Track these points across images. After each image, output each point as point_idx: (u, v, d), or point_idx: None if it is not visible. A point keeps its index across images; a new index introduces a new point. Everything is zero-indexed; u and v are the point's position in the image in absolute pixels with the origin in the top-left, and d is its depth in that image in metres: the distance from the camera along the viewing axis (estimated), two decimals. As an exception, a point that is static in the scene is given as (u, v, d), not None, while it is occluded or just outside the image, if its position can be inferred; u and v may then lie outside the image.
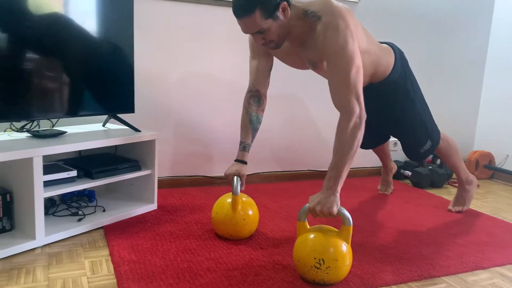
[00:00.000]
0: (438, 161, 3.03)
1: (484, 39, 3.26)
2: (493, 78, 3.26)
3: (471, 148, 3.40)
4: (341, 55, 1.51)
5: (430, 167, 2.87)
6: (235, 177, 1.80)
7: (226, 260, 1.62)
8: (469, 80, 3.29)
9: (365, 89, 1.76)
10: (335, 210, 1.45)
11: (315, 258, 1.42)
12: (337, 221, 2.05)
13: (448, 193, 2.73)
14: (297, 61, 1.80)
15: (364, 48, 1.71)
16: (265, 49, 1.81)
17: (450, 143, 2.20)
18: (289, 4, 1.54)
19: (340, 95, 1.53)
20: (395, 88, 1.95)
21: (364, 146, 2.27)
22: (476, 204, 2.55)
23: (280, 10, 1.52)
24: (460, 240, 1.94)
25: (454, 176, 3.01)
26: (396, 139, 3.08)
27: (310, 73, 2.74)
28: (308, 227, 1.52)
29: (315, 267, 1.42)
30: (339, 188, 1.49)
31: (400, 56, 1.96)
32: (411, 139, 2.03)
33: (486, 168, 3.19)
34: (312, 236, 1.46)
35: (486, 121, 3.32)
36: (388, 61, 1.90)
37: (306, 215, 1.51)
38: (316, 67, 1.70)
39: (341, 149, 1.49)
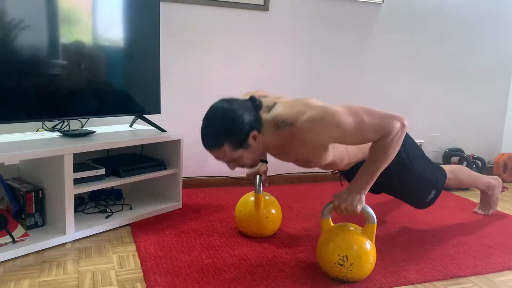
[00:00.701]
0: (465, 164, 2.98)
1: (510, 40, 3.20)
2: (521, 79, 3.19)
3: (499, 150, 3.33)
4: (342, 130, 1.40)
5: (456, 169, 2.83)
6: (257, 176, 1.82)
7: (250, 256, 1.64)
8: (496, 82, 3.23)
9: (358, 168, 1.60)
10: (359, 208, 1.45)
11: (338, 255, 1.43)
12: (361, 219, 2.05)
13: (475, 195, 2.68)
14: (288, 160, 1.63)
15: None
16: None
17: (459, 175, 2.09)
18: (260, 130, 1.45)
19: (374, 138, 1.45)
20: (388, 167, 1.72)
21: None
22: (504, 206, 2.50)
23: (251, 138, 1.43)
24: (487, 241, 1.91)
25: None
26: (422, 140, 3.05)
27: (341, 67, 2.75)
28: (332, 224, 1.53)
29: (339, 264, 1.43)
30: (367, 189, 1.49)
31: None
32: (415, 197, 1.93)
33: (515, 170, 3.12)
34: (336, 233, 1.47)
35: (514, 123, 3.25)
36: None
37: (330, 213, 1.52)
38: (308, 164, 1.57)
39: (379, 156, 1.46)
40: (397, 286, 1.48)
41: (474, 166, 3.01)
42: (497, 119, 3.29)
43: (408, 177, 1.83)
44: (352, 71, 2.79)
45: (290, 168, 2.75)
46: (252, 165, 1.54)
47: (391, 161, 1.49)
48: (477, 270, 1.61)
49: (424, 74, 2.99)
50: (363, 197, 1.47)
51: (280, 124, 1.44)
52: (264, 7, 2.50)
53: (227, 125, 1.40)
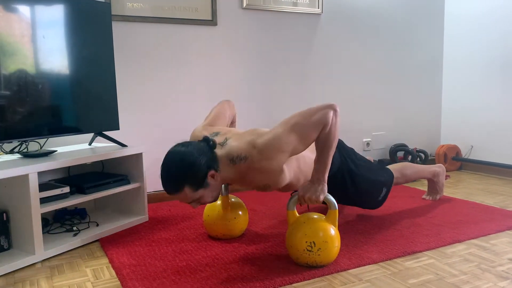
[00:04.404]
0: (410, 158, 3.20)
1: (439, 39, 3.51)
2: (451, 76, 3.50)
3: (438, 143, 3.61)
4: (289, 144, 1.51)
5: (403, 163, 3.04)
6: (222, 180, 1.90)
7: (223, 256, 1.70)
8: (430, 80, 3.51)
9: None
10: (322, 197, 1.57)
11: (306, 242, 1.53)
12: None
13: (422, 185, 2.89)
14: (249, 187, 1.72)
15: (304, 155, 1.76)
16: None
17: (405, 171, 2.26)
18: (216, 169, 1.52)
19: (317, 134, 1.56)
20: (339, 178, 1.97)
21: None
22: (448, 191, 2.72)
23: (209, 177, 1.51)
24: (437, 221, 2.08)
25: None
26: (369, 139, 3.26)
27: (288, 76, 2.89)
28: (298, 215, 1.63)
29: (307, 250, 1.53)
30: (326, 177, 1.61)
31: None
32: (369, 199, 2.09)
33: (454, 160, 3.39)
34: (302, 222, 1.57)
35: (450, 116, 3.54)
36: None
37: (294, 204, 1.62)
38: (268, 189, 1.64)
39: (326, 144, 1.58)
40: (362, 265, 1.60)
41: (418, 159, 3.24)
42: (434, 113, 3.57)
43: (361, 183, 1.99)
44: (298, 78, 2.95)
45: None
46: (214, 200, 1.60)
47: (335, 147, 1.61)
48: (431, 245, 1.77)
49: (366, 77, 3.21)
50: (325, 187, 1.59)
51: (235, 159, 1.53)
52: (212, 22, 2.61)
53: (185, 169, 1.47)
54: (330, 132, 1.56)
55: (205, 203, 1.59)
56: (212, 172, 1.51)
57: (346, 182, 1.93)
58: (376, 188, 2.07)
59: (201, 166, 1.48)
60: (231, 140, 1.59)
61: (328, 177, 1.66)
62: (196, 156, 1.49)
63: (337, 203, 2.04)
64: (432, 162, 3.46)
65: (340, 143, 2.04)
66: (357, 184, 1.98)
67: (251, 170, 1.54)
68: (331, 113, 1.55)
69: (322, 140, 1.57)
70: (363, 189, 2.02)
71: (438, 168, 2.45)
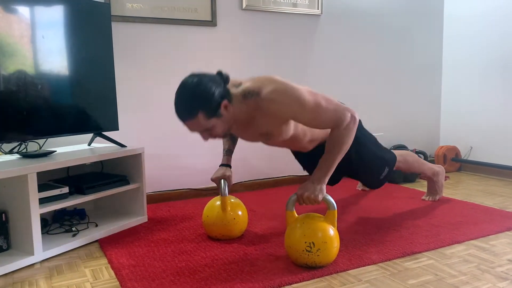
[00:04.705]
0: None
1: (438, 40, 3.51)
2: (451, 77, 3.50)
3: (437, 144, 3.61)
4: (303, 105, 1.54)
5: (402, 163, 3.04)
6: (222, 180, 1.90)
7: (222, 256, 1.70)
8: (429, 81, 3.52)
9: (321, 150, 1.71)
10: (320, 197, 1.57)
11: (305, 242, 1.52)
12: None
13: (421, 186, 2.89)
14: (250, 137, 1.77)
15: None
16: None
17: (408, 158, 2.28)
18: (229, 100, 1.55)
19: (326, 123, 1.61)
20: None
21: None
22: (448, 192, 2.72)
23: (222, 107, 1.52)
24: (436, 222, 2.08)
25: (425, 170, 3.19)
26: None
27: (288, 77, 2.89)
28: (296, 215, 1.63)
29: (306, 250, 1.52)
30: (327, 179, 1.61)
31: None
32: (370, 173, 2.10)
33: (454, 161, 3.39)
34: (301, 223, 1.57)
35: (449, 118, 3.54)
36: None
37: (293, 205, 1.62)
38: (270, 138, 1.69)
39: (335, 146, 1.59)
40: (361, 266, 1.59)
41: (417, 159, 3.24)
42: (433, 114, 3.57)
43: (366, 155, 2.00)
44: (298, 79, 2.95)
45: (251, 175, 2.84)
46: (224, 135, 1.63)
47: (345, 152, 1.62)
48: (430, 246, 1.77)
49: (365, 78, 3.21)
50: (324, 187, 1.59)
51: (247, 94, 1.57)
52: (212, 23, 2.61)
53: (200, 95, 1.48)
54: (344, 133, 1.59)
55: (215, 136, 1.60)
56: (225, 102, 1.52)
57: (350, 150, 1.93)
58: (379, 164, 2.08)
59: (215, 94, 1.50)
60: (247, 82, 1.63)
61: None
62: (211, 85, 1.50)
63: (339, 174, 2.06)
64: (431, 162, 3.45)
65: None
66: (362, 155, 1.98)
67: (259, 112, 1.57)
68: (349, 115, 1.60)
69: (334, 139, 1.60)
70: (366, 161, 2.02)
71: (438, 168, 2.46)
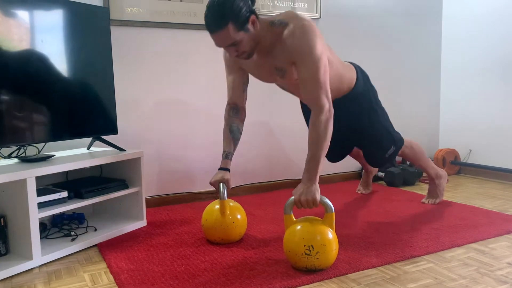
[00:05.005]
0: (408, 162, 3.20)
1: (437, 42, 3.52)
2: (449, 79, 3.51)
3: (436, 147, 3.61)
4: (311, 54, 1.66)
5: (402, 167, 3.04)
6: (221, 183, 1.89)
7: (221, 260, 1.70)
8: (428, 84, 3.52)
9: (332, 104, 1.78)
10: (318, 197, 1.57)
11: (304, 246, 1.52)
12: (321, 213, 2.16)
13: (420, 189, 2.89)
14: (266, 72, 1.87)
15: (329, 59, 1.84)
16: (239, 65, 1.93)
17: (414, 147, 2.33)
18: (257, 17, 1.68)
19: (311, 93, 1.67)
20: (360, 100, 2.08)
21: (332, 159, 2.34)
22: (447, 195, 2.72)
23: (250, 22, 1.64)
24: (436, 225, 2.08)
25: (424, 174, 3.19)
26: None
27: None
28: (294, 219, 1.63)
29: (305, 253, 1.52)
30: (317, 177, 1.62)
31: (360, 70, 2.12)
32: (377, 147, 2.15)
33: (453, 164, 3.39)
34: (299, 226, 1.57)
35: (448, 120, 3.54)
36: (351, 75, 2.05)
37: (291, 208, 1.62)
38: (284, 75, 1.79)
39: (316, 142, 1.63)
40: (360, 270, 1.59)
41: (417, 162, 3.24)
42: (432, 117, 3.58)
43: (376, 122, 2.08)
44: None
45: (250, 178, 2.83)
46: (249, 55, 1.72)
47: (327, 147, 1.66)
48: (430, 250, 1.77)
49: (364, 81, 3.22)
50: (317, 186, 1.61)
51: (276, 22, 1.71)
52: (211, 27, 2.61)
53: (230, 7, 1.58)
54: (322, 125, 1.64)
55: (242, 53, 1.69)
56: (253, 17, 1.64)
57: (363, 117, 2.00)
58: (387, 139, 2.14)
59: (244, 8, 1.61)
60: (278, 16, 1.75)
61: (352, 93, 1.89)
62: (240, 0, 1.60)
63: (346, 144, 2.09)
64: (431, 166, 3.46)
65: (364, 72, 2.14)
66: (374, 123, 2.07)
67: (281, 44, 1.70)
68: (327, 106, 1.68)
69: (314, 139, 1.63)
70: (376, 131, 2.09)
71: (442, 172, 2.46)
